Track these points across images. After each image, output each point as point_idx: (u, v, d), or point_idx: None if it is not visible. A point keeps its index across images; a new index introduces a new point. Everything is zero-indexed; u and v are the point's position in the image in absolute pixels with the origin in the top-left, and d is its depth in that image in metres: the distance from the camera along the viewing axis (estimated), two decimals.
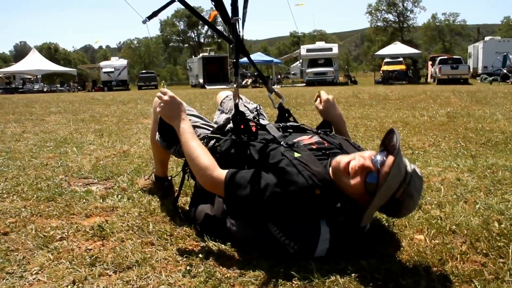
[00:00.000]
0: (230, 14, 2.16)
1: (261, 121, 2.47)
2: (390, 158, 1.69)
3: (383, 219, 2.29)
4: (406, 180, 1.65)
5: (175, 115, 2.10)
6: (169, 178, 2.88)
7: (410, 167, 1.69)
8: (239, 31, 2.17)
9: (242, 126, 2.14)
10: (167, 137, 2.30)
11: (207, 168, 1.91)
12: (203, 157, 1.95)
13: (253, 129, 2.16)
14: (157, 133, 2.49)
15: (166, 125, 2.16)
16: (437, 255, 1.85)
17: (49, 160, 4.01)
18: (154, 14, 2.29)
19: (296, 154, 1.87)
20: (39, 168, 3.68)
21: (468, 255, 1.85)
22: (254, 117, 2.38)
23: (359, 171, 1.73)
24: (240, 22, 2.16)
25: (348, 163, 1.77)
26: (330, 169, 1.85)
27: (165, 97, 2.12)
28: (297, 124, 2.36)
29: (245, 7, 2.21)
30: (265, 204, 1.77)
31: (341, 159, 1.81)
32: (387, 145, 1.77)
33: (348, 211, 1.81)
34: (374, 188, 1.69)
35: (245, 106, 2.66)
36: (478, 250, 1.89)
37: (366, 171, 1.71)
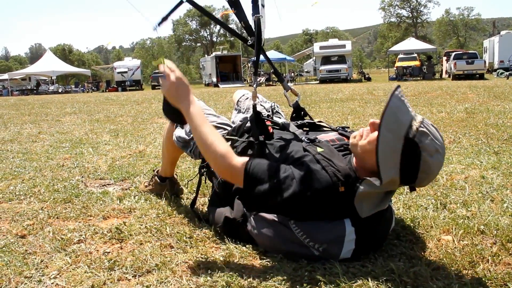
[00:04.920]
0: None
1: (278, 119, 2.40)
2: None
3: (408, 219, 2.21)
4: (414, 117, 1.59)
5: (182, 97, 1.84)
6: (174, 175, 2.87)
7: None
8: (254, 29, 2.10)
9: (260, 127, 2.07)
10: (175, 118, 2.00)
11: (224, 156, 1.74)
12: (219, 143, 1.77)
13: (269, 129, 2.07)
14: (174, 133, 2.45)
15: (172, 108, 1.89)
16: (467, 257, 1.77)
17: (65, 161, 4.01)
18: (164, 19, 2.12)
19: (319, 149, 1.80)
20: (55, 169, 3.67)
21: (500, 257, 1.76)
22: (268, 115, 2.30)
23: (370, 128, 1.70)
24: (262, 19, 2.08)
25: (362, 131, 1.76)
26: (354, 160, 1.78)
27: (172, 77, 1.84)
28: (313, 121, 2.29)
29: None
30: (286, 201, 1.68)
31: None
32: None
33: None
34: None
35: (261, 105, 2.60)
36: (510, 252, 1.81)
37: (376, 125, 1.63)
